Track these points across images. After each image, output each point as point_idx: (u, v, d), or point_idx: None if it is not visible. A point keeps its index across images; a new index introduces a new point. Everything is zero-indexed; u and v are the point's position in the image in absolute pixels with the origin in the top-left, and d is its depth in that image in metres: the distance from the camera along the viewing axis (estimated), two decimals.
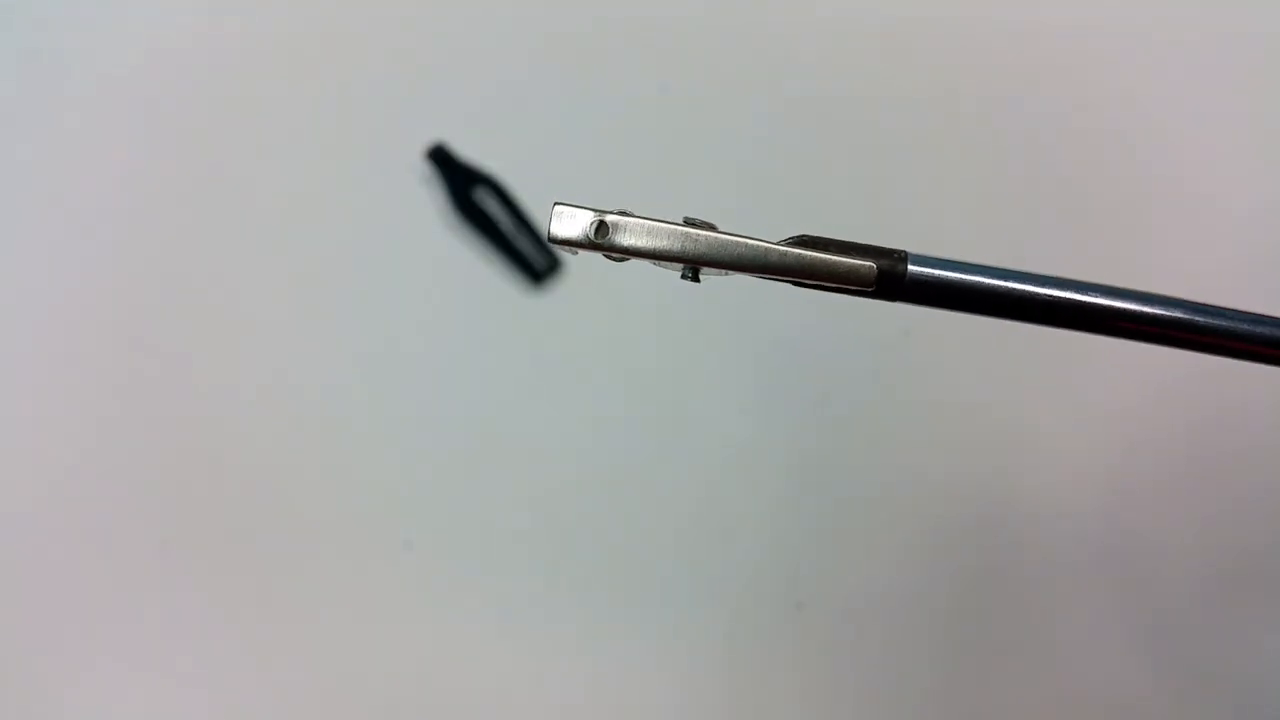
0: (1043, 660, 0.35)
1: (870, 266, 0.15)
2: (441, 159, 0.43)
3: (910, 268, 0.15)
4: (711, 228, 0.16)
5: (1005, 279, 0.15)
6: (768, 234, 0.41)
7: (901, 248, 0.15)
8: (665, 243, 0.15)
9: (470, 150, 0.43)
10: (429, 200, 0.42)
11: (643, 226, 0.15)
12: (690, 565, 0.37)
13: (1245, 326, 0.16)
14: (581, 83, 0.45)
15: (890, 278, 0.15)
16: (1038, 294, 0.15)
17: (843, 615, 0.36)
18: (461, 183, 0.42)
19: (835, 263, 0.15)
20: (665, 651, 0.35)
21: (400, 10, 0.46)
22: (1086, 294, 0.15)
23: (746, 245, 0.15)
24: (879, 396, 0.39)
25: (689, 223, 0.16)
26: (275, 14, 0.46)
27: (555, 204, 0.15)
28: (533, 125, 0.44)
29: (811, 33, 0.46)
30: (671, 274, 0.16)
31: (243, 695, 0.34)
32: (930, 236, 0.42)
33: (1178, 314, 0.16)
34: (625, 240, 0.15)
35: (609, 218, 0.15)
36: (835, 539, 0.37)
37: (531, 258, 0.41)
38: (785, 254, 0.15)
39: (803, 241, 0.16)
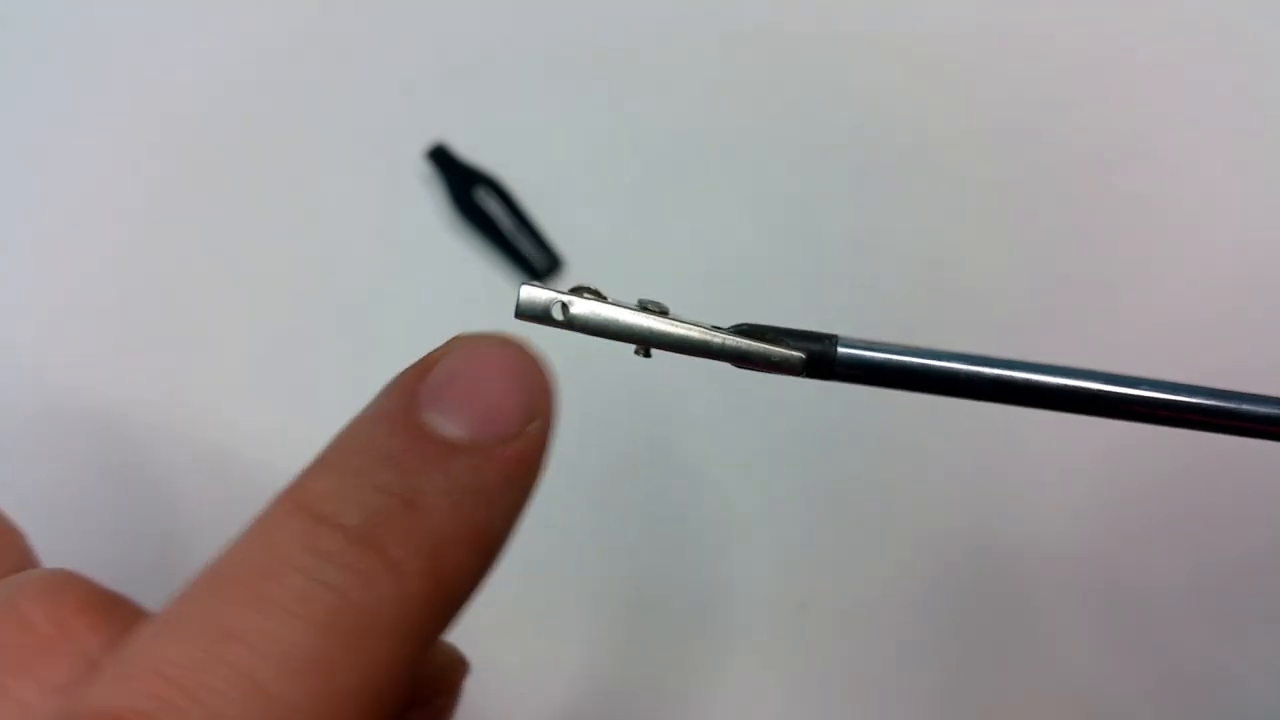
0: (1043, 660, 0.36)
1: (799, 357, 0.17)
2: (441, 159, 0.44)
3: (840, 350, 0.17)
4: (664, 311, 0.18)
5: (932, 359, 0.17)
6: (765, 232, 0.42)
7: (833, 332, 0.17)
8: (619, 327, 0.17)
9: (470, 150, 0.44)
10: (429, 200, 0.43)
11: (599, 309, 0.17)
12: (691, 564, 0.38)
13: (1148, 394, 0.17)
14: (582, 82, 0.46)
15: (822, 362, 0.17)
16: (961, 371, 0.17)
17: (846, 615, 0.37)
18: (461, 183, 0.43)
19: (769, 351, 0.17)
20: (666, 651, 0.37)
21: (401, 10, 0.47)
22: (1010, 370, 0.17)
23: (690, 332, 0.17)
24: (881, 396, 0.40)
25: (643, 306, 0.18)
26: (275, 13, 0.47)
27: (521, 285, 0.17)
28: (533, 125, 0.45)
29: (813, 34, 0.47)
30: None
31: None
32: (930, 240, 0.43)
33: (1095, 386, 0.17)
34: (582, 322, 0.17)
35: (566, 298, 0.17)
36: (838, 538, 0.38)
37: (532, 257, 0.42)
38: (725, 342, 0.17)
39: (741, 330, 0.17)
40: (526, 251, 0.43)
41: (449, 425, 0.16)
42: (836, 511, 0.39)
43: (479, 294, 0.42)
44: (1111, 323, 0.41)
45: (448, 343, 0.18)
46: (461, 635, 0.36)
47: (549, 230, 0.43)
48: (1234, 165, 0.44)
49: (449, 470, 0.16)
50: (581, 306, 0.17)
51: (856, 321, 0.41)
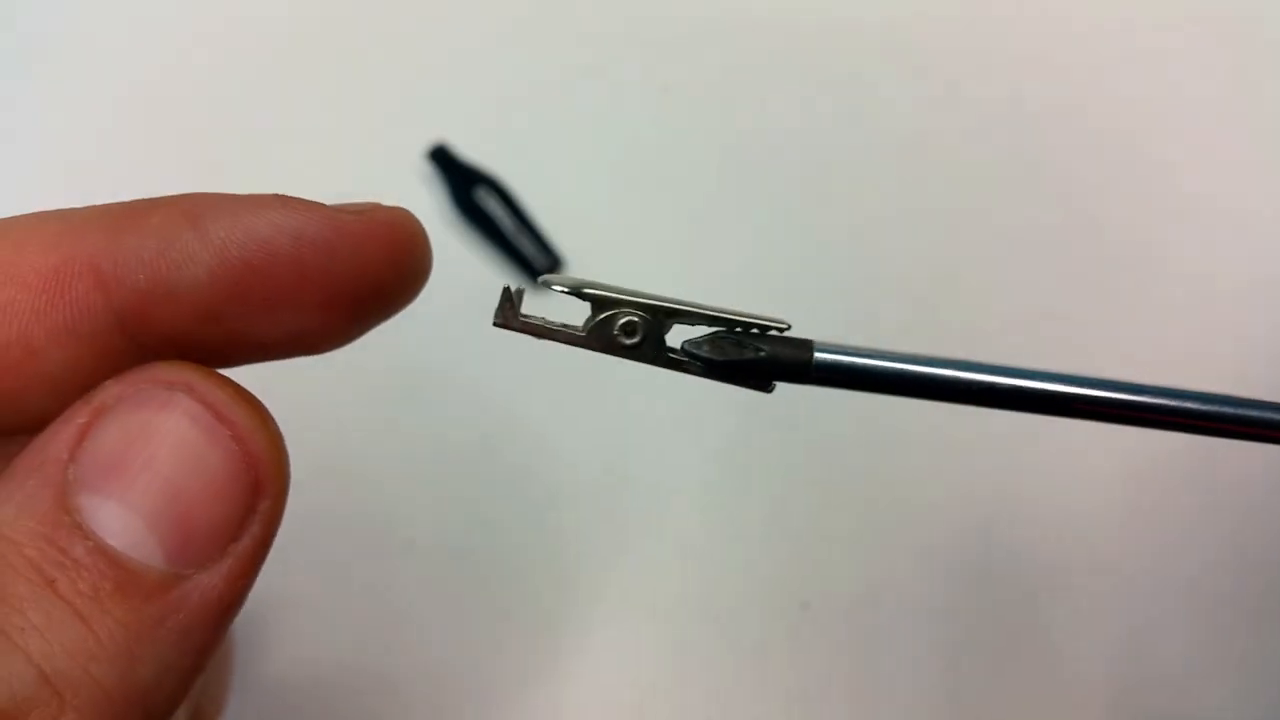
0: (1046, 662, 0.36)
1: (771, 385, 0.16)
2: (442, 159, 0.44)
3: (816, 356, 0.17)
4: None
5: (904, 362, 0.17)
6: (764, 232, 0.42)
7: (809, 337, 0.16)
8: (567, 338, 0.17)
9: (470, 150, 0.44)
10: (429, 200, 0.43)
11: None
12: (695, 564, 0.38)
13: (1102, 394, 0.17)
14: (582, 82, 0.46)
15: (796, 368, 0.17)
16: (928, 374, 0.17)
17: (849, 615, 0.37)
18: (462, 183, 0.43)
19: (745, 367, 0.17)
20: (669, 650, 0.37)
21: (401, 10, 0.47)
22: (978, 374, 0.17)
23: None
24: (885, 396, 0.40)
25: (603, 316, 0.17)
26: (275, 13, 0.47)
27: (545, 279, 0.17)
28: (533, 125, 0.45)
29: (814, 35, 0.46)
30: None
31: (246, 692, 0.36)
32: (931, 242, 0.43)
33: (1062, 389, 0.17)
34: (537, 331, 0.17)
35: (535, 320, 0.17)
36: (842, 538, 0.38)
37: (533, 258, 0.42)
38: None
39: (712, 342, 0.17)
40: (526, 251, 0.43)
41: (115, 531, 0.11)
42: (840, 511, 0.39)
43: (479, 295, 0.42)
44: (1112, 326, 0.41)
45: (109, 386, 0.12)
46: (453, 634, 0.36)
47: (549, 230, 0.43)
48: (1236, 169, 0.43)
49: (104, 608, 0.11)
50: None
51: (855, 323, 0.41)
